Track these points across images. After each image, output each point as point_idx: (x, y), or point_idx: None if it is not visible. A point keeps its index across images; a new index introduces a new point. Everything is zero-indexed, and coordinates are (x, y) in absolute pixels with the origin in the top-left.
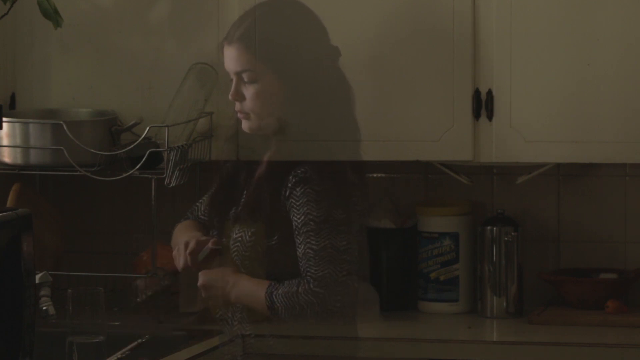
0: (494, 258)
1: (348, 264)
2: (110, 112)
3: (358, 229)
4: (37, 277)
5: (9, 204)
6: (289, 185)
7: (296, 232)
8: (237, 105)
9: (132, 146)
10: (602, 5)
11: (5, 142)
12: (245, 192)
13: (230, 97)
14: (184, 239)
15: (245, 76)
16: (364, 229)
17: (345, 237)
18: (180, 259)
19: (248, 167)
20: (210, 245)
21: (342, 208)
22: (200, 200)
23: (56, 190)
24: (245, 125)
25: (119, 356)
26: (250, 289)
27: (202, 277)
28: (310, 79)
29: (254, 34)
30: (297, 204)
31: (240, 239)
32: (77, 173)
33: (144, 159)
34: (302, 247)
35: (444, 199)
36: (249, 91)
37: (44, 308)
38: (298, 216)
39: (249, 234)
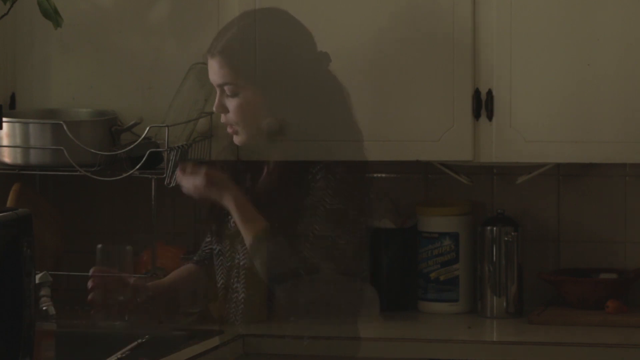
0: (494, 258)
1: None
2: (110, 112)
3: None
4: (37, 277)
5: (9, 204)
6: (314, 189)
7: (315, 238)
8: (223, 118)
9: (132, 146)
10: (602, 5)
11: (5, 142)
12: (247, 194)
13: (214, 109)
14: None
15: (226, 89)
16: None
17: (348, 227)
18: None
19: (247, 167)
20: None
21: (365, 205)
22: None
23: (56, 190)
24: (235, 139)
25: (119, 356)
26: (247, 213)
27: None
28: (303, 83)
29: (235, 47)
30: (325, 210)
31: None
32: (77, 173)
33: (144, 159)
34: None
35: (444, 199)
36: (231, 104)
37: (44, 308)
38: (327, 223)
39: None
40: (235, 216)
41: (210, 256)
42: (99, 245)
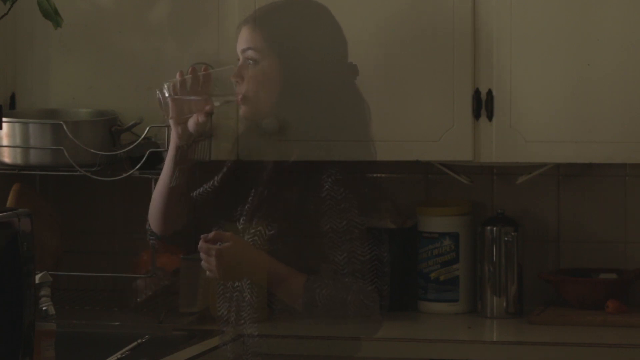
0: (494, 258)
1: (387, 276)
2: (110, 112)
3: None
4: (37, 277)
5: (9, 204)
6: (326, 186)
7: (333, 235)
8: (237, 87)
9: (132, 146)
10: (602, 5)
11: (5, 142)
12: (254, 192)
13: (231, 77)
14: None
15: (248, 55)
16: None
17: (385, 247)
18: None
19: (252, 167)
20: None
21: (377, 214)
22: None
23: (56, 190)
24: (242, 110)
25: (119, 356)
26: (284, 274)
27: (226, 246)
28: (323, 85)
29: (271, 19)
30: (339, 207)
31: (258, 234)
32: (77, 173)
33: (144, 159)
34: (346, 254)
35: (444, 199)
36: (249, 73)
37: (44, 308)
38: (339, 221)
39: (269, 229)
40: (274, 286)
41: None
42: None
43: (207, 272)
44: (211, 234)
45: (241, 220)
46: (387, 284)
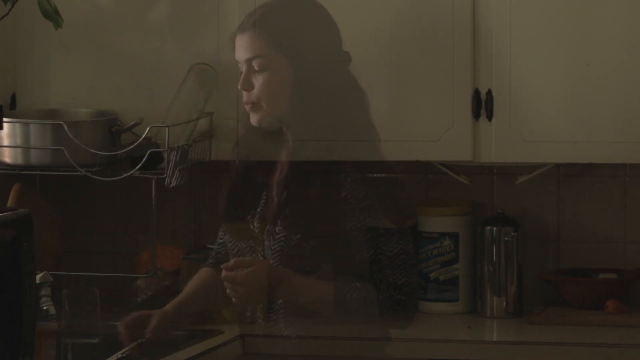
0: (494, 258)
1: (415, 268)
2: (110, 112)
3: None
4: (38, 277)
5: (9, 204)
6: (346, 185)
7: (357, 234)
8: (245, 96)
9: (132, 146)
10: (602, 5)
11: (5, 142)
12: (265, 194)
13: (239, 86)
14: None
15: (255, 63)
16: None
17: (410, 239)
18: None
19: (263, 167)
20: None
21: (399, 210)
22: (220, 239)
23: (56, 190)
24: (253, 118)
25: (119, 356)
26: (311, 286)
27: (251, 272)
28: (321, 77)
29: (269, 21)
30: (360, 206)
31: (284, 239)
32: (78, 173)
33: (144, 159)
34: (372, 251)
35: (444, 199)
36: (258, 80)
37: (44, 308)
38: (362, 219)
39: (294, 233)
40: (304, 300)
41: (226, 258)
42: (64, 290)
43: (234, 300)
44: (231, 263)
45: (255, 223)
46: (415, 275)
